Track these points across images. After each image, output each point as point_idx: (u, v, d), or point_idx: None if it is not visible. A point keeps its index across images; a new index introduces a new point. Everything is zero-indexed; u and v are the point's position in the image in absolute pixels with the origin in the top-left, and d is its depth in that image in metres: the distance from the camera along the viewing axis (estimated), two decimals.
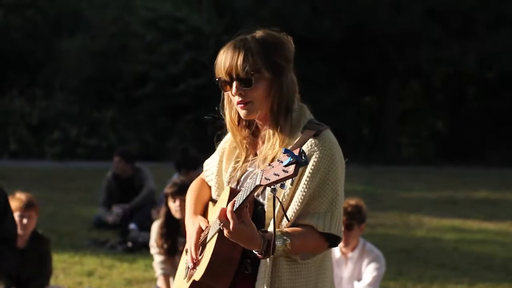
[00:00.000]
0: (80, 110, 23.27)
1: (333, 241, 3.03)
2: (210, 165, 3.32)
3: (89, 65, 24.43)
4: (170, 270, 6.81)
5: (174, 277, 6.51)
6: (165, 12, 24.61)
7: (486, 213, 13.92)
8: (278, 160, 2.65)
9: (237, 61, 2.96)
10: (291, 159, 2.61)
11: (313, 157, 2.95)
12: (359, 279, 6.10)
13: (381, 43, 25.20)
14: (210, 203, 3.27)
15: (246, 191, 2.75)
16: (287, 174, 2.61)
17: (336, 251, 6.12)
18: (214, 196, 3.24)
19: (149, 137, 23.23)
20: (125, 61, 24.26)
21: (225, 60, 2.99)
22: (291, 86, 3.04)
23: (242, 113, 3.03)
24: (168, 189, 6.87)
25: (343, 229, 5.89)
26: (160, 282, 6.94)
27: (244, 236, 2.79)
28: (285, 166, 2.62)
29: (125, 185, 11.38)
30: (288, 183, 2.63)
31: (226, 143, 3.22)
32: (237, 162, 3.14)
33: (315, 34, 23.89)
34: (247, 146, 3.13)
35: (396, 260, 9.49)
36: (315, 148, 2.96)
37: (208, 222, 3.16)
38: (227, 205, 2.82)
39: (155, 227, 6.88)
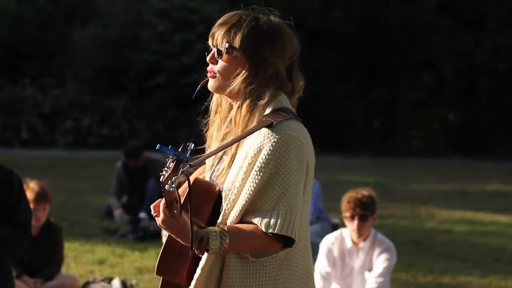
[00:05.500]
0: (92, 99, 23.30)
1: (285, 241, 2.76)
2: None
3: (101, 54, 24.44)
4: None
5: None
6: (178, 2, 24.59)
7: (497, 205, 13.89)
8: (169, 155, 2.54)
9: (220, 29, 2.89)
10: (172, 155, 2.49)
11: (264, 149, 2.72)
12: (370, 270, 6.10)
13: (393, 35, 25.12)
14: None
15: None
16: (169, 172, 2.51)
17: (348, 241, 6.13)
18: None
19: (160, 127, 23.26)
20: (137, 51, 24.27)
21: (217, 24, 2.93)
22: (264, 81, 2.84)
23: (209, 83, 2.95)
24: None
25: (355, 221, 5.95)
26: None
27: (173, 230, 2.71)
28: (170, 162, 2.51)
29: (135, 175, 11.39)
30: (173, 182, 2.52)
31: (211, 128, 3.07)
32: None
33: (326, 25, 23.82)
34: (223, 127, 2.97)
35: (407, 251, 9.50)
36: (267, 140, 2.73)
37: None
38: (187, 195, 2.71)
39: None
